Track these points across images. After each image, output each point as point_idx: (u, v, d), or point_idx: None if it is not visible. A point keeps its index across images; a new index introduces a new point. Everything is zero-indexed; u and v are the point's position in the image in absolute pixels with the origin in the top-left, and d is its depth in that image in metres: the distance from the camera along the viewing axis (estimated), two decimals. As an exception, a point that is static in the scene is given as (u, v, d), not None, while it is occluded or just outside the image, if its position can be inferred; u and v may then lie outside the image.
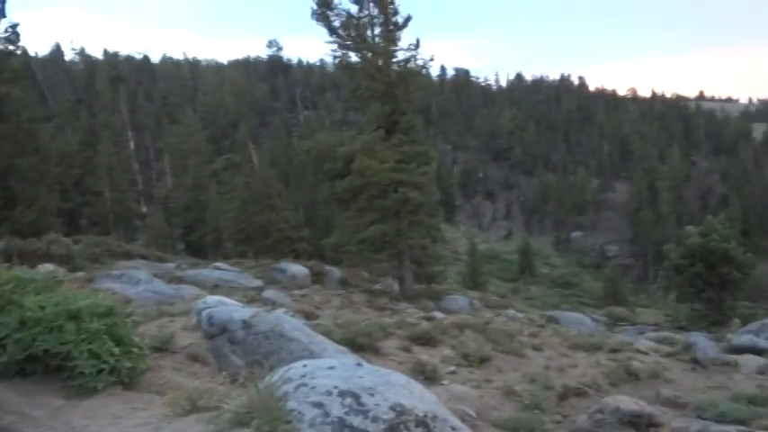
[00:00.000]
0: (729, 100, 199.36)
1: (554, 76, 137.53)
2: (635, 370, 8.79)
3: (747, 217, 62.13)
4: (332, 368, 3.46)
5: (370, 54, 19.21)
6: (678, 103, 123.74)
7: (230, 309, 5.93)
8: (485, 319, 15.57)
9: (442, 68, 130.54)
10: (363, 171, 17.69)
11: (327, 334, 8.72)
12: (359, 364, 3.56)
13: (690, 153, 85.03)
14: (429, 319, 13.92)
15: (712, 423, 6.09)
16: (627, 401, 6.16)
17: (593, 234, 77.89)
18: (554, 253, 72.60)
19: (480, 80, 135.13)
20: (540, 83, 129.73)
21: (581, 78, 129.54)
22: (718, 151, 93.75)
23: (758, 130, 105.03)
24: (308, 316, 11.84)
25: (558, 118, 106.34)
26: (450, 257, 60.14)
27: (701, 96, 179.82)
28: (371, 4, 19.68)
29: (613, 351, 10.11)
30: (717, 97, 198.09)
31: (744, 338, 10.86)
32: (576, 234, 77.53)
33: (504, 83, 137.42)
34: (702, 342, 10.27)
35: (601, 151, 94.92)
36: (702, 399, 7.46)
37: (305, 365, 3.55)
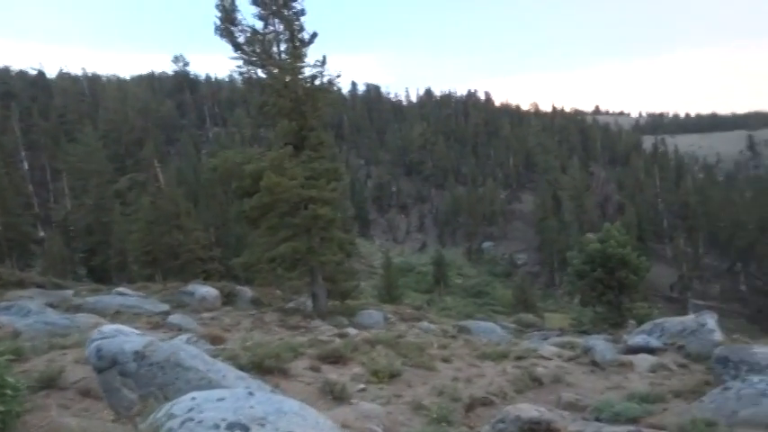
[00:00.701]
0: (622, 114, 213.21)
1: (461, 91, 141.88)
2: (539, 376, 9.09)
3: (641, 223, 66.25)
4: (222, 399, 3.34)
5: (276, 70, 19.02)
6: (576, 116, 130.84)
7: (122, 339, 5.62)
8: (398, 332, 15.65)
9: (353, 84, 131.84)
10: (272, 188, 17.42)
11: (233, 358, 8.47)
12: (251, 393, 3.45)
13: (588, 164, 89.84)
14: (342, 335, 13.82)
15: (606, 425, 6.37)
16: (527, 409, 6.34)
17: (503, 243, 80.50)
18: (467, 263, 74.35)
19: (391, 95, 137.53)
20: (448, 98, 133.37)
21: (487, 93, 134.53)
22: (613, 162, 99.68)
23: (648, 142, 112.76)
24: (215, 340, 11.47)
25: (467, 132, 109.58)
26: (366, 272, 60.32)
27: (597, 111, 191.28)
28: (277, 21, 19.54)
29: (519, 358, 10.42)
30: (611, 111, 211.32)
31: (638, 339, 11.49)
32: (486, 244, 79.85)
33: (414, 98, 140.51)
34: (600, 345, 10.77)
35: (507, 163, 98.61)
36: (600, 400, 7.80)
37: (193, 398, 3.41)
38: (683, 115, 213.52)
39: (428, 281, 62.96)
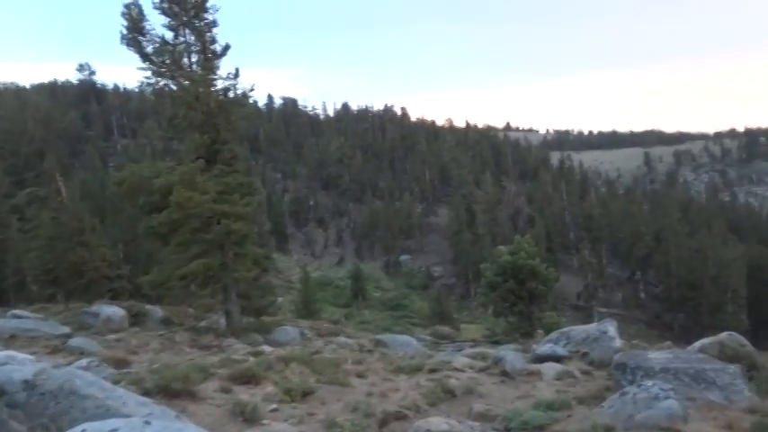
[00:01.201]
0: (531, 130, 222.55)
1: (378, 106, 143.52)
2: (451, 388, 9.23)
3: (550, 235, 69.13)
4: (115, 430, 3.18)
5: (187, 82, 18.52)
6: (489, 132, 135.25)
7: (11, 368, 5.23)
8: (314, 349, 15.49)
9: (270, 97, 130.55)
10: (183, 203, 16.87)
11: (137, 383, 8.09)
12: (147, 422, 3.31)
13: (500, 178, 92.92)
14: (256, 354, 13.52)
15: (513, 434, 6.55)
16: (437, 422, 6.43)
17: (419, 256, 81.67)
18: (384, 276, 74.84)
19: (308, 109, 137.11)
20: (365, 113, 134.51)
21: (403, 109, 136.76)
22: (523, 176, 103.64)
23: (555, 158, 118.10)
24: (119, 363, 10.92)
25: (384, 146, 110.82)
26: (284, 287, 59.44)
27: (508, 127, 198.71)
28: (188, 32, 19.06)
29: (432, 371, 10.55)
30: (521, 128, 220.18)
31: (545, 347, 11.92)
32: (404, 257, 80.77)
33: (331, 112, 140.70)
34: (510, 355, 11.11)
35: (423, 178, 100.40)
36: (509, 409, 8.01)
37: (84, 430, 3.23)
38: (586, 132, 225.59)
39: (346, 295, 62.85)
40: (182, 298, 22.98)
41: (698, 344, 12.37)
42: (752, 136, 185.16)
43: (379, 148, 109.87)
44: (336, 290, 65.38)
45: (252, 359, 11.87)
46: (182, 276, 18.24)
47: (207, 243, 18.21)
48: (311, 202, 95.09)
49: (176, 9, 18.63)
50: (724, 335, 12.52)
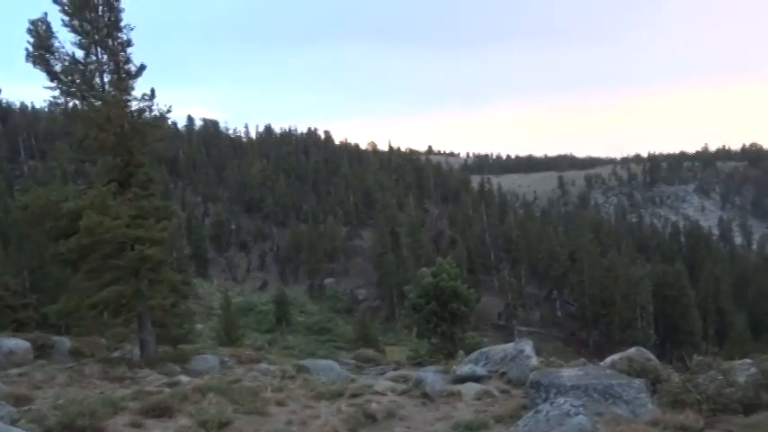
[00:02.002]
0: (452, 154, 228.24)
1: (302, 129, 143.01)
2: (372, 412, 9.20)
3: (471, 256, 70.63)
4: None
5: (98, 103, 17.79)
6: (411, 156, 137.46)
7: None
8: (234, 377, 15.06)
9: (190, 119, 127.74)
10: (93, 229, 16.07)
11: (39, 420, 7.60)
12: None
13: (423, 201, 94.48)
14: (172, 384, 12.98)
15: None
16: (356, 448, 6.37)
17: (344, 280, 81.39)
18: (309, 300, 74.03)
19: (230, 131, 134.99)
20: (288, 135, 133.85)
21: (327, 132, 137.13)
22: (445, 199, 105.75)
23: (475, 181, 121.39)
24: (20, 400, 10.21)
25: (307, 169, 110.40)
26: (204, 313, 57.66)
27: (430, 151, 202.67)
28: (100, 50, 18.37)
29: (354, 396, 10.48)
30: (442, 152, 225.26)
31: (465, 368, 12.11)
32: (328, 281, 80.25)
33: (253, 134, 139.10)
34: (431, 376, 11.21)
35: (347, 201, 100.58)
36: (429, 431, 8.06)
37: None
38: (504, 157, 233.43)
39: (270, 320, 61.67)
40: (93, 328, 21.81)
41: (609, 359, 12.93)
42: (655, 161, 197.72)
43: (303, 171, 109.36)
44: (259, 315, 64.04)
45: (167, 390, 11.41)
46: (92, 305, 17.32)
47: (119, 270, 17.40)
48: (233, 226, 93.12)
49: (87, 27, 17.91)
50: (632, 350, 13.15)
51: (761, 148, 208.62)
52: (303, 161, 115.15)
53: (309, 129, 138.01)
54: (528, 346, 12.14)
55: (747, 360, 10.77)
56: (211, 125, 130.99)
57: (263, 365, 20.01)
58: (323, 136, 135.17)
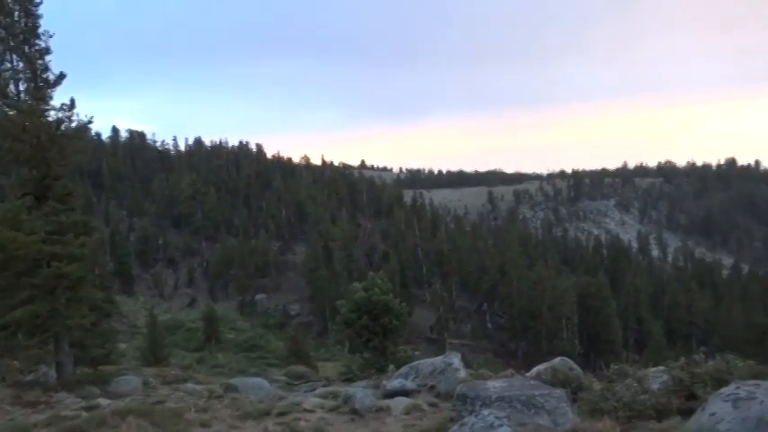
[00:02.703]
0: (385, 169, 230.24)
1: (233, 142, 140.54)
2: (300, 430, 9.08)
3: (404, 270, 71.23)
4: None
5: (13, 112, 16.94)
6: (345, 171, 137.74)
7: None
8: (157, 398, 14.52)
9: (115, 130, 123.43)
10: (5, 245, 15.22)
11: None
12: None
13: (356, 215, 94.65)
14: (90, 408, 12.39)
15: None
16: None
17: (276, 295, 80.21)
18: (239, 317, 72.44)
19: (158, 144, 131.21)
20: (219, 148, 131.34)
21: (259, 146, 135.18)
22: (378, 214, 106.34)
23: (408, 195, 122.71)
24: None
25: (239, 183, 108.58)
26: (128, 332, 55.47)
27: (363, 165, 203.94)
28: (15, 57, 17.52)
29: (281, 414, 10.31)
30: (376, 166, 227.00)
31: (395, 383, 12.14)
32: (260, 296, 78.88)
33: (182, 147, 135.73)
34: (360, 392, 11.17)
35: (280, 215, 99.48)
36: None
37: None
38: (436, 172, 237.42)
39: (198, 338, 59.82)
40: (5, 350, 20.56)
41: (535, 370, 13.28)
42: (578, 177, 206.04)
43: (234, 185, 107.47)
44: (188, 333, 62.08)
45: (84, 414, 10.88)
46: (4, 326, 16.34)
47: (34, 288, 16.52)
48: (160, 241, 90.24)
49: (2, 33, 17.10)
50: (557, 360, 13.55)
51: (674, 165, 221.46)
52: (234, 175, 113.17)
53: (241, 142, 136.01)
54: (456, 359, 12.31)
55: (661, 367, 11.31)
56: (138, 137, 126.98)
57: (190, 385, 19.41)
58: (255, 149, 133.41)
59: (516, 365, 44.72)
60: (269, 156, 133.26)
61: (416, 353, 38.29)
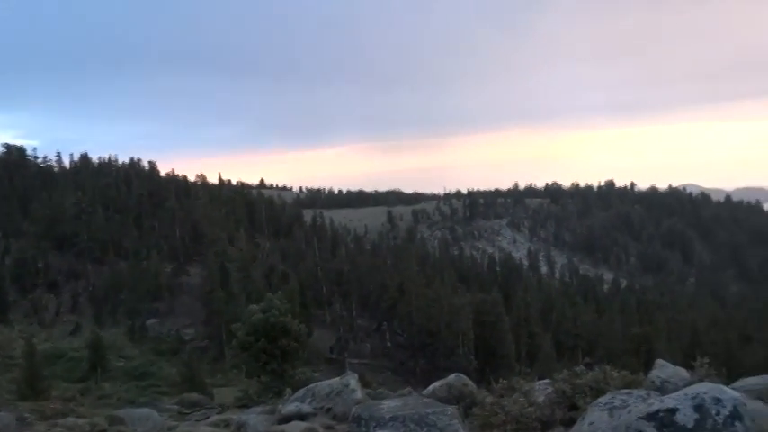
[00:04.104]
0: (285, 188, 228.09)
1: (123, 159, 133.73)
2: (191, 461, 8.74)
3: (303, 290, 70.60)
4: None
5: None
6: (243, 190, 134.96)
7: None
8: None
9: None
10: None
11: None
12: None
13: (254, 235, 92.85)
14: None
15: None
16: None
17: (169, 319, 76.76)
18: (129, 343, 68.61)
19: (39, 160, 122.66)
20: (108, 166, 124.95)
21: (151, 163, 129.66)
22: (277, 234, 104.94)
23: (307, 215, 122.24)
24: None
25: (129, 202, 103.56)
26: (3, 364, 51.42)
27: (262, 185, 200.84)
28: None
29: (171, 446, 9.88)
30: (275, 185, 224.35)
31: (291, 406, 11.97)
32: (151, 321, 75.13)
33: (67, 164, 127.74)
34: (253, 418, 10.92)
35: (174, 236, 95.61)
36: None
37: None
38: (336, 192, 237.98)
39: (83, 367, 56.10)
40: None
41: (431, 387, 13.55)
42: (473, 197, 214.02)
43: (124, 204, 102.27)
44: (71, 363, 58.05)
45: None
46: None
47: None
48: (40, 264, 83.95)
49: None
50: (452, 377, 13.90)
51: (560, 186, 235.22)
52: (124, 193, 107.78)
53: (132, 159, 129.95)
54: (353, 380, 12.33)
55: (547, 380, 11.92)
56: (16, 152, 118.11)
57: (71, 419, 18.14)
58: (147, 167, 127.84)
59: (415, 383, 45.40)
60: (162, 174, 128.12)
61: (316, 374, 37.99)
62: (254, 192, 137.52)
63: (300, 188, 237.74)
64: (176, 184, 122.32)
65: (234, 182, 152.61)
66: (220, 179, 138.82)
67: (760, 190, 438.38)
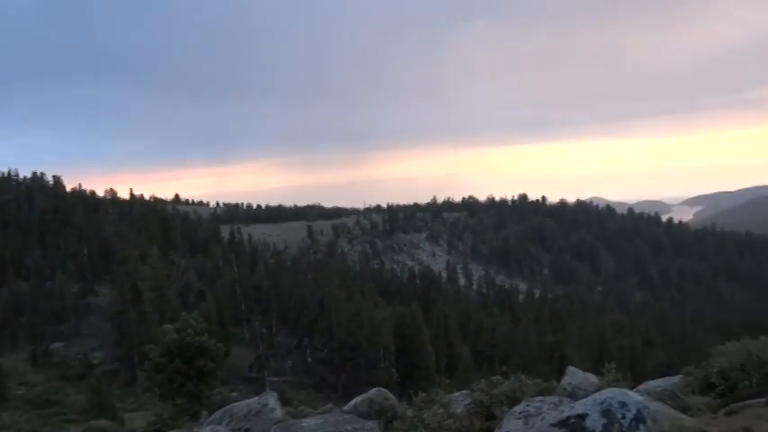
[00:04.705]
0: (201, 203, 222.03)
1: (25, 173, 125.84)
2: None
3: (221, 308, 68.77)
4: None
5: None
6: (156, 205, 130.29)
7: None
8: None
9: None
10: None
11: None
12: None
13: (169, 253, 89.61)
14: None
15: None
16: None
17: (75, 342, 72.61)
18: (31, 369, 64.35)
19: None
20: (7, 181, 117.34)
21: (56, 178, 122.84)
22: (193, 250, 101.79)
23: (225, 231, 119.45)
24: None
25: (31, 219, 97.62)
26: None
27: (177, 200, 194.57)
28: None
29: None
30: (191, 201, 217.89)
31: (207, 429, 11.60)
32: (56, 345, 70.78)
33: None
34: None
35: (81, 254, 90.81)
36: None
37: None
38: (255, 206, 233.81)
39: (-23, 397, 52.04)
40: None
41: (352, 402, 13.50)
42: (393, 211, 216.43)
43: (26, 221, 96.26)
44: (-37, 393, 53.70)
45: None
46: None
47: None
48: (-73, 288, 77.52)
49: None
50: (373, 391, 13.91)
51: (477, 200, 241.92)
52: (26, 210, 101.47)
53: (35, 173, 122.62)
54: (272, 399, 12.10)
55: (465, 391, 12.16)
56: None
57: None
58: (51, 182, 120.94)
59: (337, 398, 45.09)
60: (68, 189, 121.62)
61: (234, 394, 37.00)
62: (169, 207, 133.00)
63: (218, 203, 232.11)
64: (84, 199, 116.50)
65: (147, 197, 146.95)
66: (132, 194, 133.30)
67: (658, 203, 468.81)
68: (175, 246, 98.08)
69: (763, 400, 9.81)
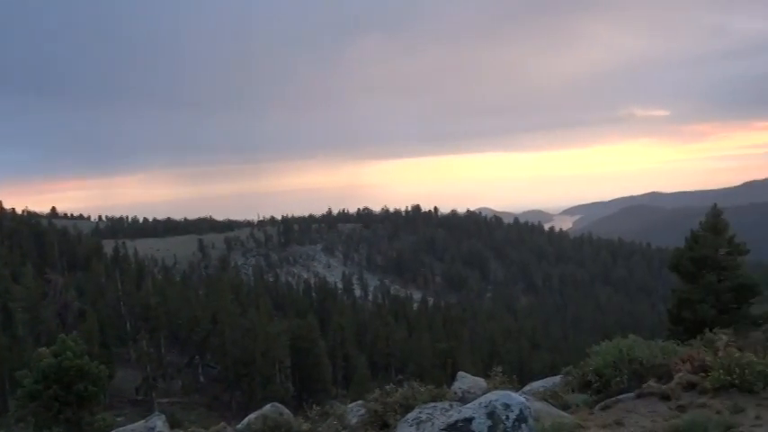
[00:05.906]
0: (81, 218, 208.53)
1: None
2: None
3: (104, 328, 64.77)
4: None
5: None
6: (30, 220, 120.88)
7: None
8: None
9: None
10: None
11: None
12: None
13: (45, 270, 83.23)
14: None
15: None
16: None
17: (-66, 372, 65.58)
18: None
19: None
20: None
21: None
22: (73, 267, 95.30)
23: (108, 246, 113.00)
24: None
25: None
26: None
27: (54, 214, 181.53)
28: None
29: None
30: (69, 215, 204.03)
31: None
32: None
33: None
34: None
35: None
36: None
37: None
38: (141, 220, 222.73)
39: None
40: None
41: (246, 420, 13.21)
42: (287, 223, 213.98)
43: None
44: None
45: None
46: None
47: None
48: None
49: None
50: (267, 407, 13.69)
51: (371, 211, 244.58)
52: None
53: None
54: (160, 421, 11.60)
55: (360, 401, 12.27)
56: None
57: None
58: None
59: (230, 417, 43.72)
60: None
61: (119, 419, 34.98)
62: (45, 222, 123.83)
63: (100, 217, 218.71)
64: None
65: (19, 211, 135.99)
66: (2, 208, 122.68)
67: (540, 212, 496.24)
68: (52, 263, 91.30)
69: (632, 394, 10.69)
